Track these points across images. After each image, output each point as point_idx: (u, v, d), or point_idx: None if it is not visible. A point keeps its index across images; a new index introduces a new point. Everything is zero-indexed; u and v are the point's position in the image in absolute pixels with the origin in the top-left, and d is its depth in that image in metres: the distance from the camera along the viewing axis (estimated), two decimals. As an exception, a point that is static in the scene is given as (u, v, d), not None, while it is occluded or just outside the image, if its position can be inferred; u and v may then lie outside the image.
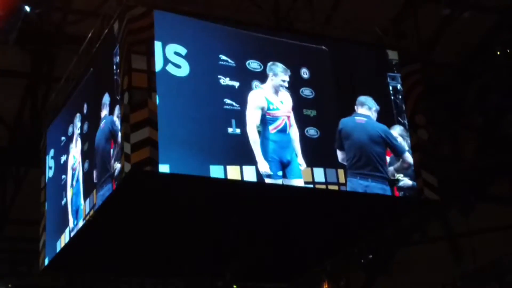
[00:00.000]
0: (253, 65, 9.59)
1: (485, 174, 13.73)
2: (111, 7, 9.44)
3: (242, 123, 9.28)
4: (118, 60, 9.21)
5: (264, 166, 9.28)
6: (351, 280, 16.16)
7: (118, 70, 9.18)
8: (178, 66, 9.08)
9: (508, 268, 13.62)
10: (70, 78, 10.72)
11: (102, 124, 9.57)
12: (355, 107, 9.96)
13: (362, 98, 10.02)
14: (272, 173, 9.30)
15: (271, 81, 9.63)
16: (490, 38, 12.90)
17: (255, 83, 9.51)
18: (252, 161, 9.20)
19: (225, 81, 9.34)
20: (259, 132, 9.35)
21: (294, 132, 9.60)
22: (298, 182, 9.44)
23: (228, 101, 9.29)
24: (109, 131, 9.33)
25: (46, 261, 10.97)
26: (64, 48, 12.36)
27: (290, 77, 9.71)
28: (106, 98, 9.53)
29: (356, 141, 9.81)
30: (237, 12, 9.91)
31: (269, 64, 9.68)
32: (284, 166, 9.44)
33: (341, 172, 9.64)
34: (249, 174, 9.16)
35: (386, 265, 16.19)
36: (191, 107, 9.06)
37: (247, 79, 9.49)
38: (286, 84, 9.67)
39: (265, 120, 9.47)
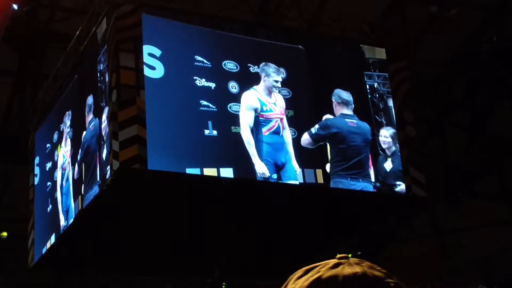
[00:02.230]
0: (230, 65, 9.46)
1: (472, 171, 13.77)
2: (99, 5, 9.43)
3: (218, 125, 9.15)
4: (101, 67, 9.17)
5: (261, 168, 9.18)
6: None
7: (101, 78, 9.15)
8: (152, 68, 8.97)
9: (495, 264, 13.69)
10: (58, 76, 10.72)
11: (91, 126, 9.52)
12: (338, 105, 9.86)
13: (345, 96, 9.90)
14: (268, 176, 9.22)
15: (264, 82, 9.52)
16: (477, 35, 12.94)
17: (232, 84, 9.39)
18: (229, 163, 9.08)
19: (201, 82, 9.21)
20: (252, 133, 9.29)
21: (287, 135, 9.54)
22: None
23: (204, 102, 9.15)
24: (98, 133, 9.30)
25: (35, 259, 10.96)
26: (52, 46, 12.34)
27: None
28: (90, 100, 9.51)
29: (351, 145, 9.76)
30: (225, 10, 9.89)
31: (262, 64, 9.59)
32: (279, 168, 9.35)
33: (319, 172, 9.57)
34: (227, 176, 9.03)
35: (374, 261, 16.19)
36: (166, 109, 8.95)
37: (224, 80, 9.37)
38: (279, 85, 9.59)
39: (258, 122, 9.38)
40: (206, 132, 9.04)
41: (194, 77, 9.18)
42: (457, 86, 13.33)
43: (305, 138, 9.62)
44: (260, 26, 10.08)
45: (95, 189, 9.20)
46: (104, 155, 8.97)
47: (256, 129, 9.36)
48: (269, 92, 9.52)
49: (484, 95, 13.23)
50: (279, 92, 9.64)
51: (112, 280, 14.94)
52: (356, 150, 9.79)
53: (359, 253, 15.13)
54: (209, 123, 9.08)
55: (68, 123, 10.30)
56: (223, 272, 11.35)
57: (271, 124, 9.45)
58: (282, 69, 9.65)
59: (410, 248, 15.40)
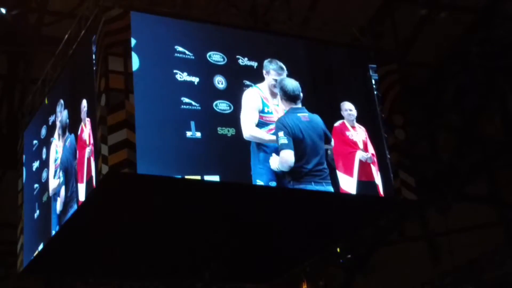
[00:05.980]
0: (215, 57, 8.71)
1: (462, 174, 13.78)
2: (87, 9, 9.37)
3: (202, 126, 8.35)
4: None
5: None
6: (330, 280, 16.17)
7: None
8: None
9: (486, 266, 13.69)
10: (47, 80, 10.67)
11: (67, 143, 9.29)
12: (284, 101, 8.83)
13: (290, 89, 8.81)
14: (263, 183, 8.56)
15: (266, 80, 8.76)
16: (467, 38, 12.95)
17: (218, 78, 8.64)
18: (215, 169, 8.27)
19: (182, 76, 8.43)
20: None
21: None
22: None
23: (186, 99, 8.36)
24: (75, 149, 9.05)
25: (24, 264, 10.88)
26: (40, 49, 12.30)
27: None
28: (65, 115, 9.29)
29: (310, 144, 8.86)
30: (214, 13, 9.78)
31: (266, 61, 8.85)
32: (278, 174, 8.62)
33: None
34: None
35: (365, 264, 16.22)
36: (141, 108, 8.16)
37: (209, 74, 8.59)
38: None
39: (257, 124, 8.68)
40: (188, 134, 8.31)
41: (174, 71, 8.45)
42: (447, 89, 13.34)
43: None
44: (251, 30, 9.76)
45: (74, 209, 9.04)
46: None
47: None
48: (272, 92, 8.79)
49: (474, 98, 13.24)
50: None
51: (102, 285, 14.90)
52: (314, 148, 8.85)
53: (349, 256, 15.18)
54: (192, 123, 8.31)
55: (61, 112, 9.57)
56: (213, 276, 11.33)
57: (270, 127, 8.77)
58: (284, 67, 8.83)
59: (401, 251, 15.40)
